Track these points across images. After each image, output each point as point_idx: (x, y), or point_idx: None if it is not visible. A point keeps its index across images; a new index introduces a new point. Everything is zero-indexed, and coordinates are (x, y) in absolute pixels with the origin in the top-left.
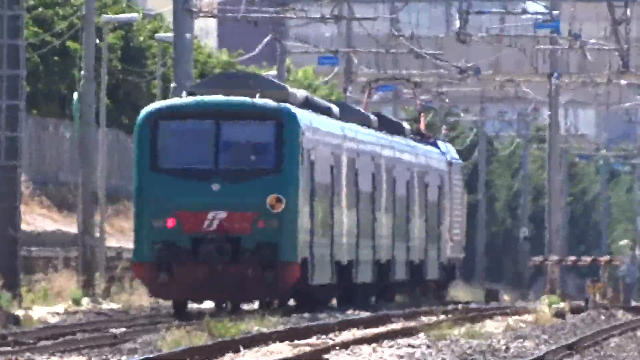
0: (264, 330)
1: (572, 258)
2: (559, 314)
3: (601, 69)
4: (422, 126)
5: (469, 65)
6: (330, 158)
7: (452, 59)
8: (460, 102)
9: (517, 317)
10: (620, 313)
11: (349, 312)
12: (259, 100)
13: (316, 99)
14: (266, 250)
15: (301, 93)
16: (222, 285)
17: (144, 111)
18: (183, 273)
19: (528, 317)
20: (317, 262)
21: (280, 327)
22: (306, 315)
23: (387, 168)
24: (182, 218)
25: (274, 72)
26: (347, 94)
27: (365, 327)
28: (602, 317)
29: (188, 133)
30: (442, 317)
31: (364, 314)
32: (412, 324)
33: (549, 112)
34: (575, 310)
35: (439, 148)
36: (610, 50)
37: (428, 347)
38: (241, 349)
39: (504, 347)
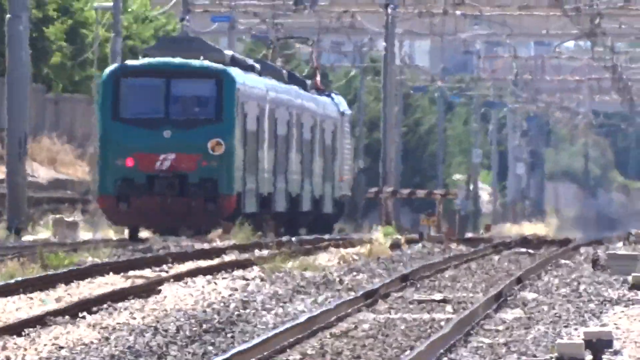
0: (97, 261)
1: (407, 191)
2: (395, 245)
3: None
4: (317, 81)
5: None
6: (257, 109)
7: None
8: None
9: (352, 248)
10: (454, 245)
11: (183, 243)
12: (202, 62)
13: (240, 57)
14: (208, 185)
15: (228, 53)
16: (171, 215)
17: (107, 70)
18: (139, 204)
19: (362, 249)
20: (248, 194)
21: (114, 259)
22: (141, 247)
23: (296, 116)
24: (139, 159)
25: (110, 3)
26: (185, 23)
27: (200, 259)
28: (437, 250)
29: (144, 89)
30: (276, 250)
31: (198, 246)
32: (246, 256)
33: (385, 44)
34: (410, 242)
35: (332, 99)
36: None
37: (262, 279)
38: (74, 281)
39: (338, 279)
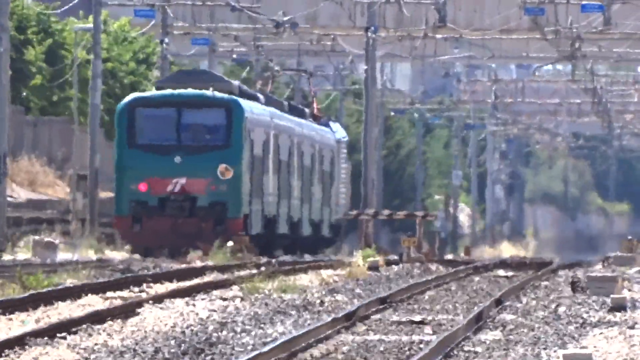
0: (77, 282)
1: (387, 212)
2: (373, 267)
3: (418, 23)
4: (315, 110)
5: (285, 18)
6: (263, 136)
7: (269, 12)
8: (277, 56)
9: (331, 270)
10: (434, 267)
11: (164, 265)
12: (212, 93)
13: (246, 88)
14: (217, 208)
15: (235, 84)
16: (181, 235)
17: (123, 101)
18: (152, 225)
19: (342, 272)
20: (254, 217)
21: (94, 280)
22: (120, 266)
23: (297, 144)
24: (152, 183)
25: (90, 24)
26: (164, 46)
27: (179, 280)
28: (417, 271)
29: (157, 118)
30: (255, 270)
31: (177, 267)
32: (225, 276)
33: (366, 67)
34: (390, 264)
35: (330, 127)
36: (427, 4)
37: (242, 299)
38: (54, 301)
39: (318, 301)
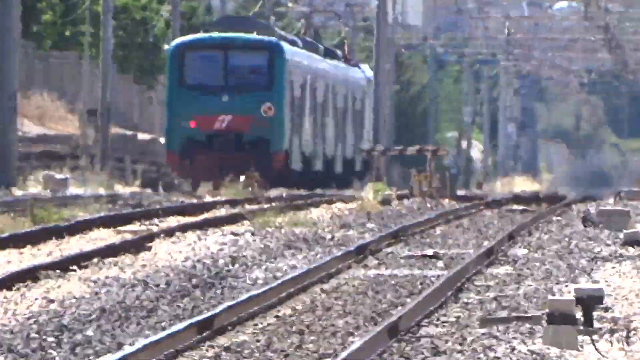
0: (88, 216)
1: (398, 148)
2: (385, 202)
3: None
4: (346, 53)
5: None
6: (301, 78)
7: None
8: None
9: (343, 204)
10: (446, 202)
11: (174, 198)
12: (255, 36)
13: (285, 34)
14: (261, 143)
15: (277, 30)
16: (228, 169)
17: (173, 44)
18: (200, 159)
19: (353, 206)
20: (294, 153)
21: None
22: (131, 202)
23: (332, 86)
24: (200, 120)
25: None
26: None
27: (190, 215)
28: (428, 206)
29: (206, 60)
30: (267, 205)
31: (188, 201)
32: (236, 210)
33: (378, 2)
34: (401, 198)
35: (360, 69)
36: None
37: (252, 234)
38: (65, 235)
39: (329, 236)
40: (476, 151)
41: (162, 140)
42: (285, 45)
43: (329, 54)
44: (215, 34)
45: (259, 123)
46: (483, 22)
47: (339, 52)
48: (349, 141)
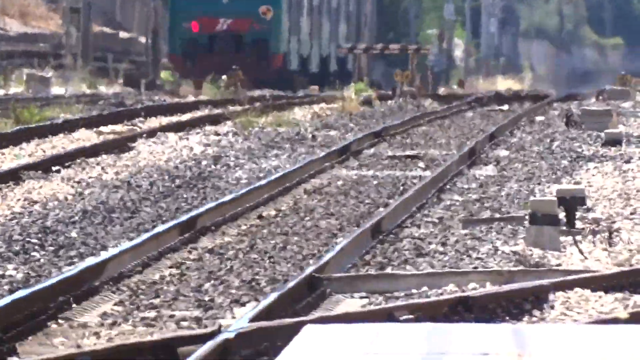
0: (70, 117)
1: (380, 46)
2: (366, 102)
3: None
4: None
5: None
6: None
7: None
8: None
9: (324, 104)
10: (428, 102)
11: (156, 97)
12: None
13: None
14: (260, 44)
15: None
16: (229, 70)
17: None
18: (203, 60)
19: (335, 106)
20: (291, 54)
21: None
22: (113, 101)
23: None
24: (202, 22)
25: None
26: None
27: (172, 114)
28: (410, 106)
29: None
30: (249, 105)
31: (170, 100)
32: (219, 111)
33: None
34: (383, 98)
35: None
36: None
37: (235, 134)
38: (48, 135)
39: (311, 136)
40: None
41: (143, 39)
42: None
43: None
44: None
45: (259, 25)
46: None
47: None
48: (342, 41)
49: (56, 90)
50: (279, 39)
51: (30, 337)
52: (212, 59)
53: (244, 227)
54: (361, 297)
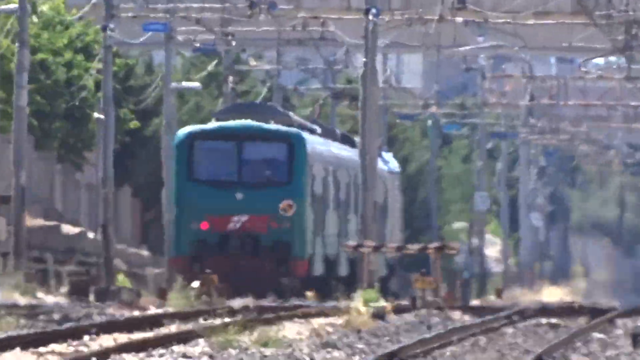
0: (0, 334)
1: (395, 245)
2: (378, 315)
3: (432, 3)
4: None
5: None
6: (322, 171)
7: None
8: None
9: (324, 318)
10: (457, 314)
11: (110, 309)
12: (272, 125)
13: (301, 120)
14: (281, 247)
15: (294, 117)
16: (243, 275)
17: (181, 132)
18: (212, 264)
19: (338, 320)
20: (317, 257)
21: (24, 331)
22: (56, 316)
23: (354, 176)
24: (213, 220)
25: (14, 4)
26: (108, 32)
27: (131, 331)
28: (434, 320)
29: (217, 151)
30: (229, 319)
31: (129, 314)
32: (190, 326)
33: (365, 59)
34: (399, 310)
35: (382, 158)
36: None
37: (210, 357)
38: None
39: (308, 359)
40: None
41: (91, 234)
42: (305, 135)
43: (345, 140)
44: (228, 123)
45: (278, 223)
46: (499, 84)
47: (356, 140)
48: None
49: None
50: (303, 241)
51: None
52: (223, 262)
53: None
54: None
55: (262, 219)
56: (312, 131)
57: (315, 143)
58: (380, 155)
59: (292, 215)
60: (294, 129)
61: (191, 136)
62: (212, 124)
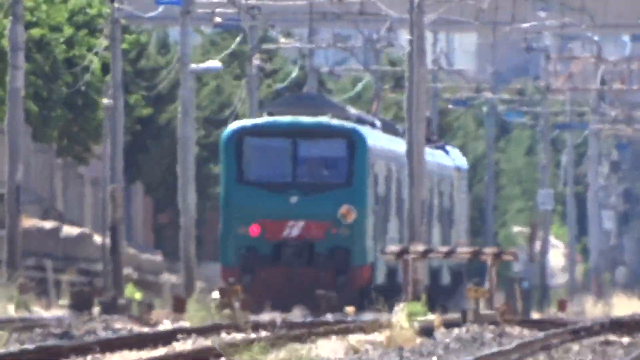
0: None
1: (444, 249)
2: (425, 331)
3: None
4: (428, 132)
5: None
6: (385, 170)
7: None
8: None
9: (363, 335)
10: (515, 330)
11: (117, 324)
12: (330, 121)
13: (363, 114)
14: (339, 255)
15: (353, 111)
16: (298, 287)
17: (229, 128)
18: (265, 276)
19: (378, 336)
20: (379, 265)
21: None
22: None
23: None
24: (265, 226)
25: None
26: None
27: (140, 348)
28: (489, 335)
29: (269, 149)
30: (253, 335)
31: (138, 330)
32: (208, 342)
33: (410, 37)
34: (449, 325)
35: (447, 153)
36: None
37: None
38: None
39: None
40: (557, 254)
41: (97, 238)
42: (366, 131)
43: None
44: (280, 118)
45: (337, 230)
46: (564, 66)
47: (398, 127)
48: (435, 246)
49: None
50: (364, 247)
51: None
52: (277, 273)
53: None
54: None
55: (320, 225)
56: (373, 125)
57: (376, 139)
58: (443, 149)
59: (352, 221)
60: (352, 125)
61: (240, 132)
62: (263, 119)
